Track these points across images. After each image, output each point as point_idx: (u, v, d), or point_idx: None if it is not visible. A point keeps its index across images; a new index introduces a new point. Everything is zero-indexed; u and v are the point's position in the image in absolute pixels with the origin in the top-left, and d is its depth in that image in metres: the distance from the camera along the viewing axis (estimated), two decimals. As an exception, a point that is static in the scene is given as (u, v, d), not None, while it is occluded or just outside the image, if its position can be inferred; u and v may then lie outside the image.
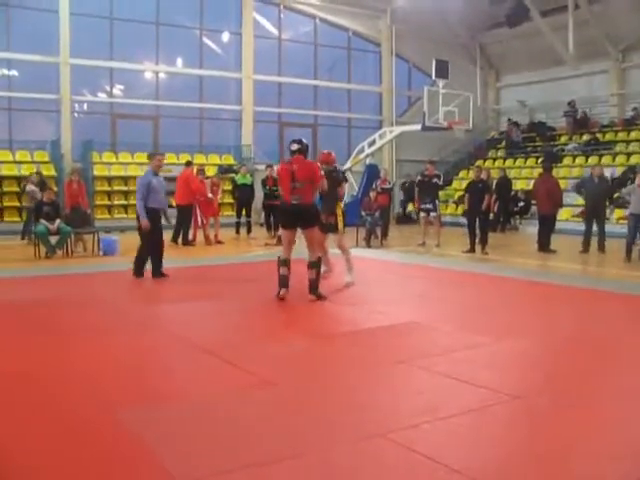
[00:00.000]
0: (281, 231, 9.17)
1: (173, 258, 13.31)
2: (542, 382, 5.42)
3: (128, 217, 19.98)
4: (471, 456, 3.89)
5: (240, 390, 5.06)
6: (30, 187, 16.33)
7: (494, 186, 18.12)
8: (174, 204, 16.05)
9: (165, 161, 19.47)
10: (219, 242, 16.58)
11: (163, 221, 10.93)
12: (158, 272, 10.64)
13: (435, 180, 16.48)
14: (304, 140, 8.87)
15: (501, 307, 8.70)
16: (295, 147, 8.69)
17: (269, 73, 25.38)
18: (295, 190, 8.48)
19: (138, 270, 10.58)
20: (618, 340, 6.80)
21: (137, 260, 10.62)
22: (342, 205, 10.13)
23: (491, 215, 15.94)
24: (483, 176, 16.04)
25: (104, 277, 11.22)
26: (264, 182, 18.47)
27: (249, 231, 18.25)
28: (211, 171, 20.96)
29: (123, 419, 4.40)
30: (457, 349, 6.31)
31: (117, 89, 23.75)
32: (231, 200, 20.37)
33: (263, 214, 19.08)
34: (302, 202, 8.51)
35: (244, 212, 18.41)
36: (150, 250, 10.60)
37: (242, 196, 18.37)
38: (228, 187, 20.45)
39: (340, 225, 9.93)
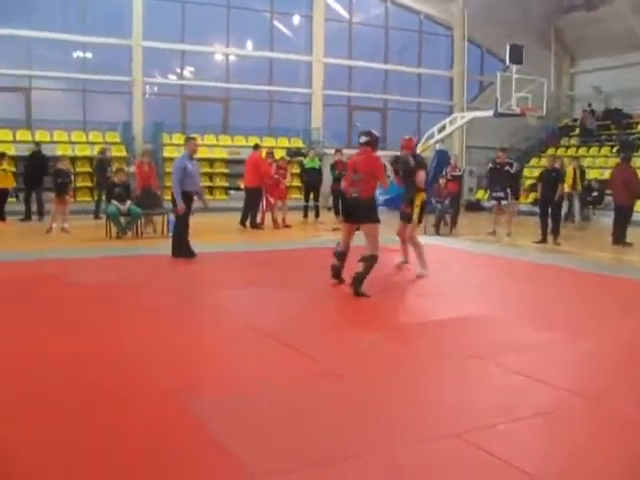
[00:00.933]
0: (342, 221, 9.04)
1: (241, 241, 13.42)
2: (619, 383, 5.23)
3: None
4: (546, 460, 3.78)
5: (306, 380, 5.04)
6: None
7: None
8: (242, 186, 16.14)
9: (234, 143, 19.99)
10: (287, 226, 16.59)
11: (199, 203, 11.66)
12: (181, 251, 10.97)
13: (507, 168, 16.14)
14: (374, 132, 8.63)
15: (573, 301, 8.47)
16: (364, 139, 8.45)
17: (339, 56, 25.23)
18: (354, 182, 8.29)
19: (178, 251, 10.95)
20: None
21: (176, 241, 11.07)
22: (424, 195, 9.87)
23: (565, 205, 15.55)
24: (557, 165, 15.66)
25: (172, 260, 11.32)
26: (333, 166, 18.34)
27: (317, 215, 18.25)
28: (280, 154, 20.97)
29: (189, 406, 4.41)
30: (530, 345, 6.16)
31: (187, 71, 23.96)
32: (299, 184, 20.40)
33: (331, 198, 18.98)
34: (360, 195, 8.24)
35: (312, 196, 18.40)
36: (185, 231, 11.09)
37: (310, 180, 18.37)
38: (296, 170, 20.43)
39: (415, 216, 9.74)
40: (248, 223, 16.14)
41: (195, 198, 11.39)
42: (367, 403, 4.63)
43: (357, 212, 8.32)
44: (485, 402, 4.71)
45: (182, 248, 10.96)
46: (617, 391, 4.99)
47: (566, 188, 16.40)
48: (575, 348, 6.20)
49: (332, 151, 20.48)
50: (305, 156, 20.52)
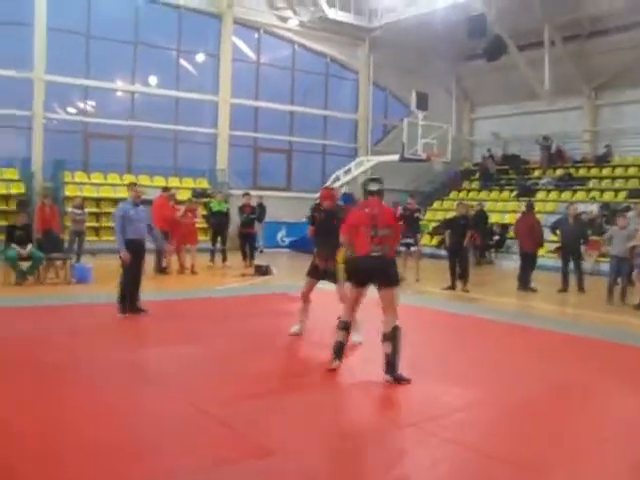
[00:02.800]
0: (348, 287, 7.44)
1: (147, 290, 12.96)
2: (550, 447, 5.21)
3: (100, 240, 19.63)
4: None
5: (231, 461, 4.72)
6: None
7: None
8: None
9: (138, 183, 19.37)
10: (194, 272, 16.11)
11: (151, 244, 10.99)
12: (134, 306, 10.21)
13: (417, 214, 16.44)
14: (382, 180, 7.71)
15: (489, 355, 8.49)
16: (376, 187, 7.34)
17: (246, 97, 25.15)
18: (376, 239, 6.99)
19: (123, 307, 10.08)
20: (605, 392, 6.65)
21: (121, 295, 10.13)
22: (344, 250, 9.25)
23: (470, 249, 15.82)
24: (464, 211, 15.93)
25: (79, 310, 10.78)
26: (241, 209, 18.17)
27: (224, 259, 17.91)
28: (185, 195, 20.60)
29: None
30: (459, 408, 6.09)
31: (90, 107, 23.26)
32: (205, 226, 20.04)
33: (239, 242, 18.70)
34: (385, 254, 7.07)
35: (219, 239, 18.09)
36: (130, 284, 10.19)
37: (217, 223, 18.06)
38: (203, 212, 20.07)
39: (340, 273, 8.58)
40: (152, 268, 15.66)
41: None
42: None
43: (381, 274, 7.06)
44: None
45: (127, 302, 10.12)
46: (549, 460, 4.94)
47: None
48: (499, 410, 6.17)
49: (238, 192, 20.36)
50: (211, 197, 20.24)
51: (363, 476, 4.64)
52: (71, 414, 5.53)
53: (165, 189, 16.97)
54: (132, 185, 11.18)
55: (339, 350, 7.25)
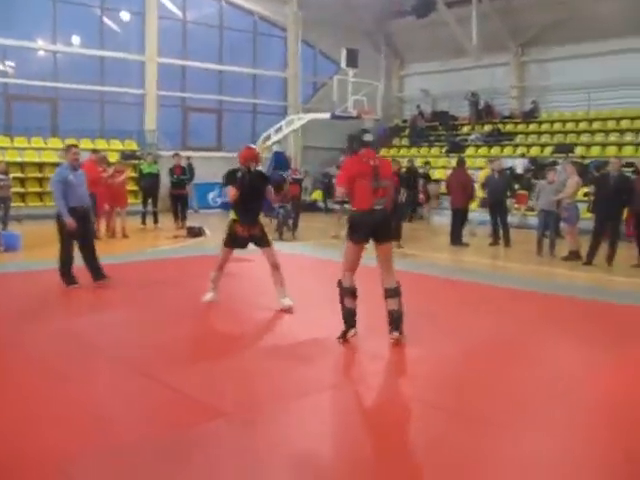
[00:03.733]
0: (347, 246, 6.86)
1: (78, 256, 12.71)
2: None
3: (27, 206, 19.15)
4: None
5: (187, 428, 4.68)
6: None
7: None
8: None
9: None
10: (125, 236, 15.80)
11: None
12: (100, 274, 9.68)
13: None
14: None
15: (426, 310, 8.59)
16: (370, 138, 6.94)
17: (173, 56, 24.58)
18: (379, 191, 6.67)
19: (67, 278, 9.52)
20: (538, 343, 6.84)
21: (62, 267, 9.53)
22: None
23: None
24: (396, 168, 16.00)
25: (10, 279, 10.50)
26: (172, 171, 17.92)
27: (156, 221, 17.68)
28: (113, 157, 20.13)
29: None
30: (401, 363, 6.18)
31: (10, 67, 22.41)
32: (135, 188, 19.70)
33: (170, 203, 18.45)
34: (385, 207, 6.77)
35: (150, 201, 17.82)
36: (72, 254, 9.63)
37: (148, 185, 17.77)
38: (132, 174, 19.70)
39: (269, 237, 8.37)
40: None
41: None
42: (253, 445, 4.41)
43: (384, 228, 6.77)
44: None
45: (94, 273, 9.61)
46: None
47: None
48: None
49: (168, 153, 20.04)
50: (140, 159, 19.87)
51: (314, 433, 4.66)
52: (16, 389, 5.39)
53: (94, 151, 16.51)
54: (70, 147, 10.17)
55: (351, 318, 6.85)
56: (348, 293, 6.80)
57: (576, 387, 5.68)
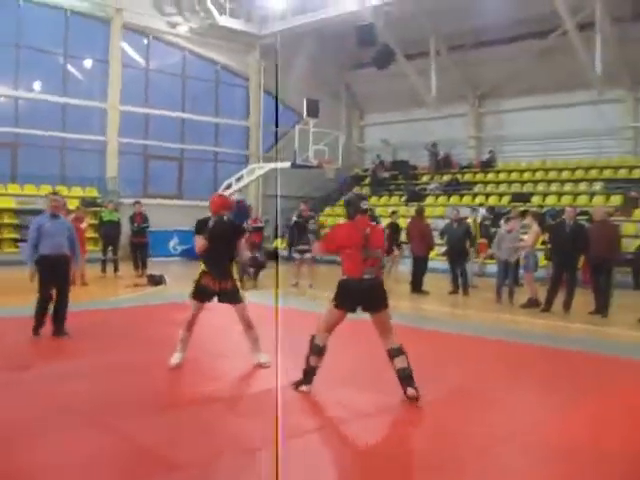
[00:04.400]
0: (331, 310, 6.78)
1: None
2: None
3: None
4: None
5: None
6: None
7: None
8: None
9: (24, 192, 18.50)
10: (84, 283, 15.59)
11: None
12: (60, 330, 9.43)
13: (311, 221, 16.59)
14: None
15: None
16: (366, 205, 6.89)
17: (135, 104, 24.66)
18: (368, 261, 6.61)
19: (35, 326, 9.29)
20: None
21: (35, 314, 9.32)
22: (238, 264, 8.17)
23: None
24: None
25: None
26: (132, 219, 17.88)
27: (116, 269, 17.54)
28: (74, 204, 19.98)
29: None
30: (366, 414, 6.20)
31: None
32: (95, 235, 19.56)
33: (129, 251, 18.37)
34: (377, 276, 6.74)
35: (110, 249, 17.71)
36: (46, 304, 9.38)
37: (109, 233, 17.68)
38: (93, 222, 19.58)
39: (242, 291, 7.91)
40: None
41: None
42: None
43: (374, 298, 6.69)
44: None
45: (55, 326, 9.40)
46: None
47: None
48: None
49: (129, 201, 19.99)
50: (101, 206, 19.80)
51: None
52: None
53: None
54: (49, 195, 9.98)
55: (311, 374, 6.82)
56: (317, 351, 6.78)
57: (531, 431, 5.74)
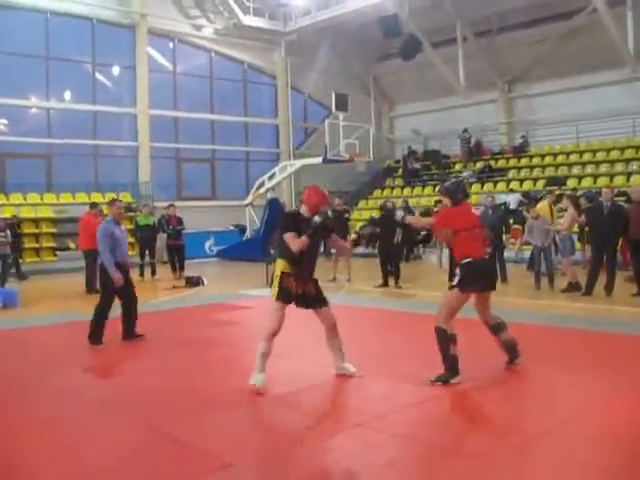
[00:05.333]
0: (454, 295, 6.71)
1: (82, 310, 12.71)
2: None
3: (24, 262, 19.09)
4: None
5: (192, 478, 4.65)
6: None
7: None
8: (72, 246, 15.33)
9: (60, 201, 18.65)
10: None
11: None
12: (132, 333, 9.45)
13: (346, 215, 16.59)
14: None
15: (432, 349, 8.58)
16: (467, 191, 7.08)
17: (164, 108, 24.87)
18: (486, 241, 6.89)
19: (96, 336, 9.09)
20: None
21: (94, 323, 9.16)
22: None
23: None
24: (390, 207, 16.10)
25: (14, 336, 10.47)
26: (167, 221, 17.98)
27: (153, 273, 17.68)
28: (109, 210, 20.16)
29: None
30: (411, 404, 6.16)
31: (2, 125, 22.55)
32: (131, 240, 19.72)
33: (166, 254, 18.49)
34: (490, 256, 7.19)
35: (147, 253, 17.85)
36: (109, 311, 9.31)
37: (145, 237, 17.84)
38: (129, 226, 19.74)
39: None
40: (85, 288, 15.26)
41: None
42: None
43: (494, 277, 6.98)
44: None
45: (126, 329, 9.34)
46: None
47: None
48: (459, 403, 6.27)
49: (162, 204, 20.13)
50: (135, 211, 19.97)
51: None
52: (24, 447, 5.31)
53: (93, 205, 16.42)
54: (114, 201, 9.91)
55: (456, 364, 6.67)
56: (453, 339, 6.68)
57: (581, 417, 5.67)
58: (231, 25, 25.64)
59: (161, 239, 18.48)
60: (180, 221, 18.26)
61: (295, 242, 6.60)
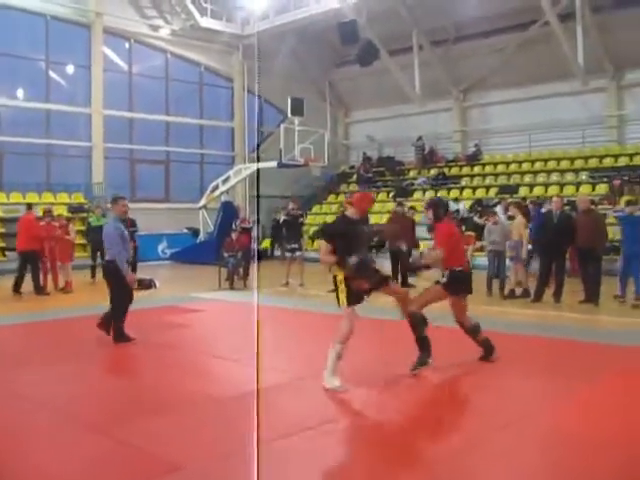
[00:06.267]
0: (438, 291, 7.55)
1: (23, 310, 12.52)
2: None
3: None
4: None
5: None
6: None
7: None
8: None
9: (10, 200, 18.30)
10: (66, 291, 15.34)
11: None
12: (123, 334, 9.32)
13: (300, 219, 16.60)
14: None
15: (384, 354, 8.66)
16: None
17: (119, 108, 24.61)
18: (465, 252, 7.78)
19: (121, 335, 9.11)
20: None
21: (116, 324, 9.13)
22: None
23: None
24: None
25: None
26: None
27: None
28: (60, 211, 19.93)
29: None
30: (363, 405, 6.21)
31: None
32: (83, 241, 19.48)
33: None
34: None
35: (99, 255, 17.61)
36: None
37: (97, 238, 17.50)
38: (81, 227, 19.52)
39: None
40: (32, 289, 15.01)
41: None
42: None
43: (470, 284, 7.70)
44: None
45: (118, 331, 9.19)
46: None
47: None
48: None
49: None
50: (88, 212, 19.72)
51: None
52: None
53: (29, 206, 16.15)
54: (118, 199, 9.84)
55: (429, 344, 7.35)
56: (424, 322, 7.38)
57: (526, 419, 5.77)
58: (188, 27, 25.50)
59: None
60: (133, 223, 18.08)
61: (326, 254, 6.88)
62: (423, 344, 7.33)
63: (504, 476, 4.71)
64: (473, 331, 7.72)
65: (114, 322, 9.15)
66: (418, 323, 7.35)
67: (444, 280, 7.48)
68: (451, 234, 7.71)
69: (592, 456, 5.03)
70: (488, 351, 7.78)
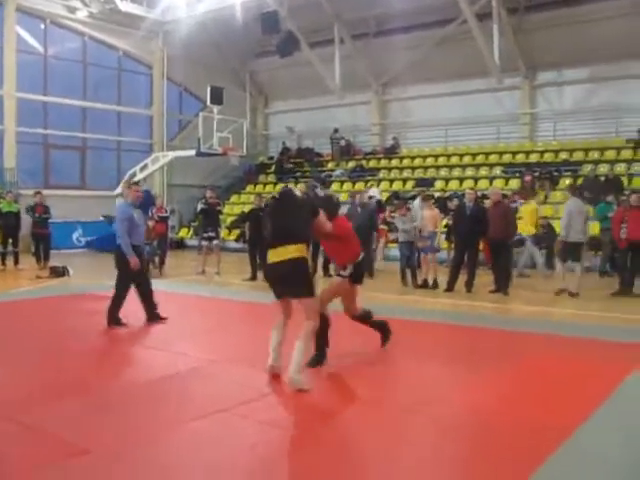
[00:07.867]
0: (343, 284, 7.30)
1: None
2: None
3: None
4: None
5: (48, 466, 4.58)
6: None
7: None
8: None
9: None
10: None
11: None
12: (155, 315, 9.49)
13: (218, 208, 16.59)
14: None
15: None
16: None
17: (33, 91, 23.90)
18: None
19: (114, 319, 9.19)
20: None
21: (112, 307, 9.21)
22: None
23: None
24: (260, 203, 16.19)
25: None
26: (33, 209, 17.39)
27: (16, 262, 17.04)
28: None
29: None
30: (269, 392, 6.27)
31: None
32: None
33: (32, 243, 17.86)
34: None
35: (10, 242, 17.19)
36: (139, 291, 9.47)
37: (8, 225, 17.15)
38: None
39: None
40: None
41: None
42: None
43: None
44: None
45: (150, 313, 9.45)
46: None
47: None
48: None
49: (29, 192, 19.43)
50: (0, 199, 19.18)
51: (180, 468, 4.65)
52: None
53: None
54: (132, 185, 9.91)
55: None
56: (329, 324, 7.15)
57: (437, 402, 5.95)
58: (107, 10, 24.91)
59: (26, 227, 17.83)
60: (47, 209, 17.72)
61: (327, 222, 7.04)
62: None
63: (409, 458, 4.84)
64: (365, 317, 7.70)
65: (110, 306, 9.20)
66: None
67: (348, 272, 7.25)
68: (345, 223, 7.63)
69: (497, 438, 5.22)
70: (386, 333, 7.91)
